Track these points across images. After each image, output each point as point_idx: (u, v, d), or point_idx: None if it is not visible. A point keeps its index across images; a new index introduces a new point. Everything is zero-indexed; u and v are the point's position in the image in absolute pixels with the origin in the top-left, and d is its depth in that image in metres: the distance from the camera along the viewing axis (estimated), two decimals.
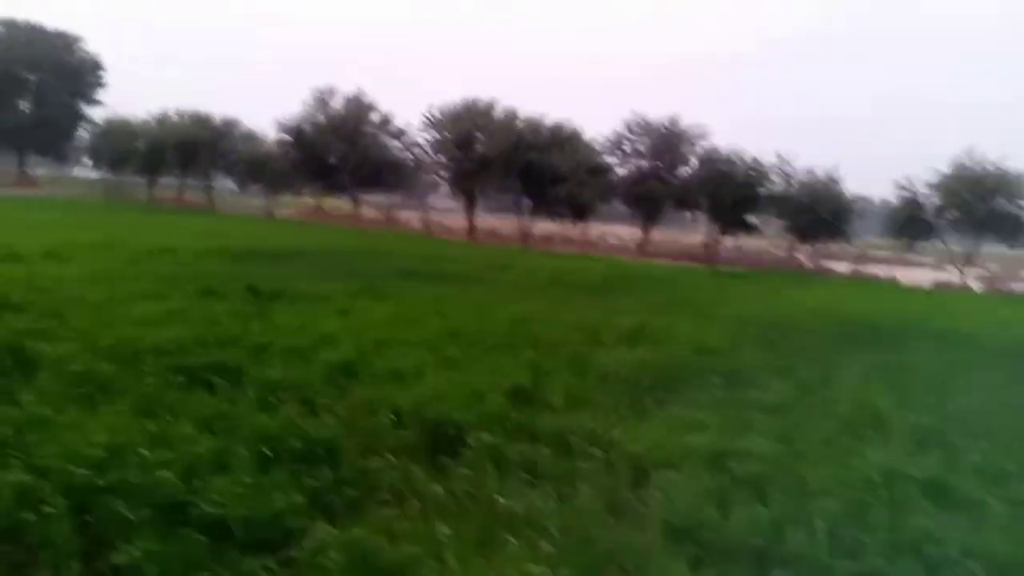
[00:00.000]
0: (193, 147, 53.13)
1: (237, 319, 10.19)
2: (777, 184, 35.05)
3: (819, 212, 33.16)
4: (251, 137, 54.49)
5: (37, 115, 65.82)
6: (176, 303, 11.10)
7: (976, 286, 32.00)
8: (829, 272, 34.58)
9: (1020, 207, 29.48)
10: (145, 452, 4.80)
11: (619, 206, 43.36)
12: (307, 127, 48.72)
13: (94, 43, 68.32)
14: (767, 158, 35.22)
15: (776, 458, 5.82)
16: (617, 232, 50.75)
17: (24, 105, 67.14)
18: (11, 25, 64.08)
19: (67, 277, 13.05)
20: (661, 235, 48.09)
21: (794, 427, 6.81)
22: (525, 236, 42.37)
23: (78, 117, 68.12)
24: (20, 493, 4.16)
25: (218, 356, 7.71)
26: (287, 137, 49.01)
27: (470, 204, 44.59)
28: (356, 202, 50.35)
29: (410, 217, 58.39)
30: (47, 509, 4.01)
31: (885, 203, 32.75)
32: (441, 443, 5.72)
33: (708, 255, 37.29)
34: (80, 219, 31.58)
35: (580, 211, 40.02)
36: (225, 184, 62.72)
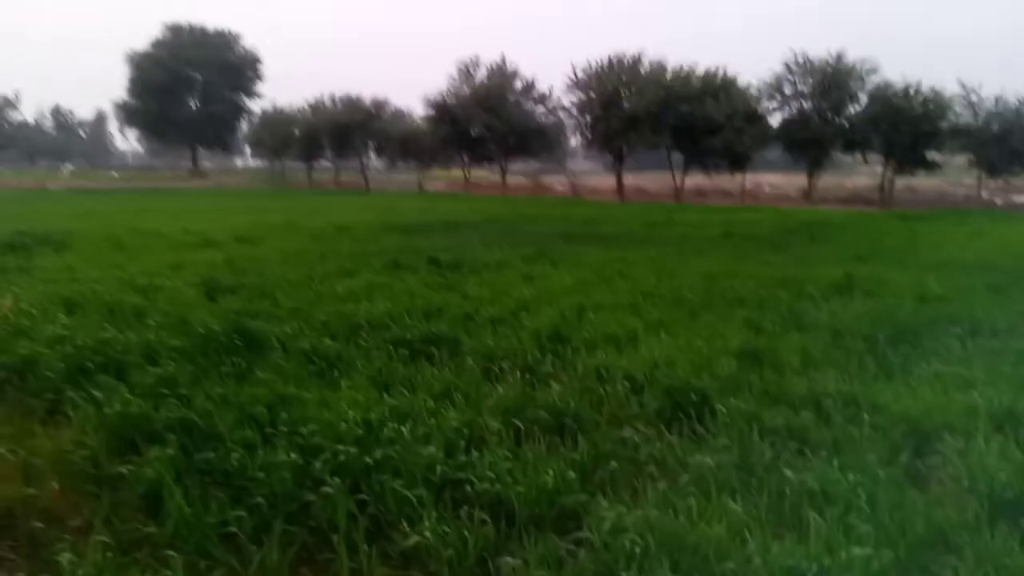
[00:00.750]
0: (346, 130, 55.28)
1: (432, 290, 10.24)
2: (961, 116, 31.84)
3: (1011, 142, 29.86)
4: (400, 115, 55.99)
5: (204, 111, 70.63)
6: (369, 277, 11.29)
7: None
8: (1020, 207, 31.25)
9: None
10: (403, 428, 4.71)
11: (774, 154, 41.16)
12: (453, 100, 49.28)
13: (251, 39, 72.37)
14: (949, 87, 32.16)
15: None
16: (771, 181, 48.35)
17: (192, 102, 72.20)
18: (176, 29, 68.81)
19: (262, 258, 13.66)
20: (821, 181, 45.28)
21: None
22: (677, 191, 41.07)
23: (241, 110, 72.55)
24: (297, 473, 4.16)
25: (429, 328, 7.66)
26: (434, 112, 49.80)
27: (619, 163, 43.66)
28: (504, 171, 50.60)
29: (555, 182, 58.30)
30: (325, 489, 3.97)
31: None
32: (686, 411, 5.34)
33: (882, 198, 34.65)
34: (252, 205, 33.51)
35: (737, 161, 38.21)
36: (376, 163, 65.02)
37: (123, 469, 4.35)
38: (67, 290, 9.89)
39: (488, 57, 58.25)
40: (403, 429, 4.74)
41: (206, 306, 9.03)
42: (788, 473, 4.09)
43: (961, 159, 33.86)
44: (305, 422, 4.96)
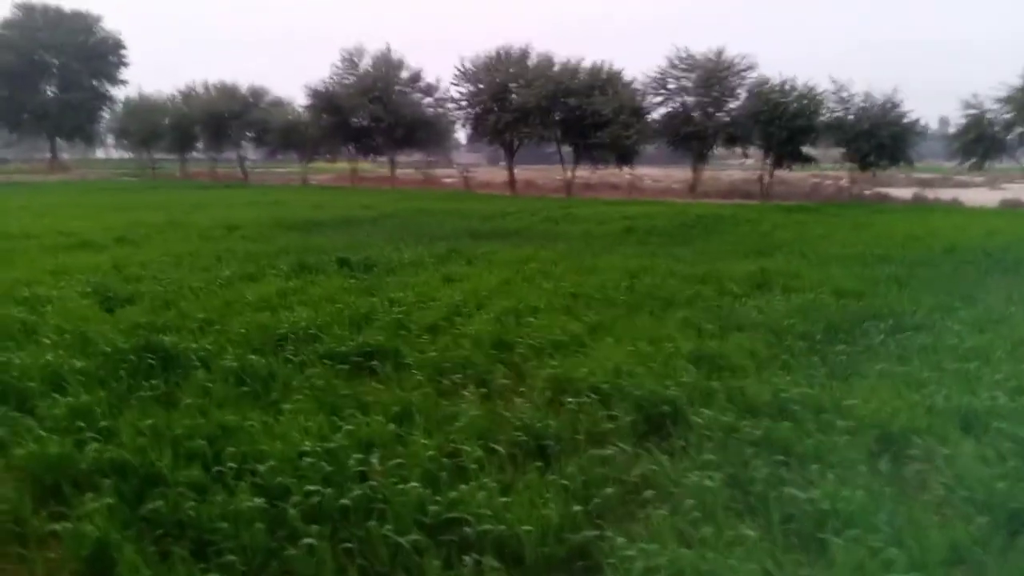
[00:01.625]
0: (221, 119, 52.59)
1: (351, 294, 9.68)
2: (834, 111, 33.59)
3: (880, 137, 31.77)
4: (280, 105, 53.70)
5: (63, 99, 65.51)
6: (278, 282, 10.60)
7: None
8: (888, 199, 33.35)
9: None
10: (372, 459, 4.28)
11: (651, 148, 42.12)
12: (337, 90, 47.75)
13: (113, 21, 67.75)
14: (822, 85, 33.76)
15: None
16: (651, 174, 49.66)
17: (48, 89, 66.83)
18: (28, 8, 63.46)
19: (152, 262, 12.64)
20: (695, 175, 46.76)
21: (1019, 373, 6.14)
22: (568, 185, 41.43)
23: (103, 98, 67.78)
24: (269, 521, 3.67)
25: (364, 339, 7.18)
26: (316, 102, 48.10)
27: (510, 156, 43.61)
28: (392, 163, 49.59)
29: (442, 175, 57.72)
30: (306, 540, 3.51)
31: (946, 124, 31.17)
32: (660, 424, 5.16)
33: (762, 191, 36.15)
34: (125, 200, 31.29)
35: (625, 155, 38.86)
36: (253, 155, 62.36)
37: (56, 526, 3.71)
38: None
39: (373, 47, 57.01)
40: (372, 460, 4.32)
41: (104, 319, 8.18)
42: (794, 492, 3.95)
43: (834, 153, 35.67)
44: (257, 456, 4.45)
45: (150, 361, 6.55)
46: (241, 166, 55.51)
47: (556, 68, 40.09)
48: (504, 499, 3.81)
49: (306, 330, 7.54)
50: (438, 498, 3.85)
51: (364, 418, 5.19)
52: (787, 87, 34.11)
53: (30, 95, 63.77)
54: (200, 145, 59.20)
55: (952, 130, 32.79)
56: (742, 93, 36.30)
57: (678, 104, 37.91)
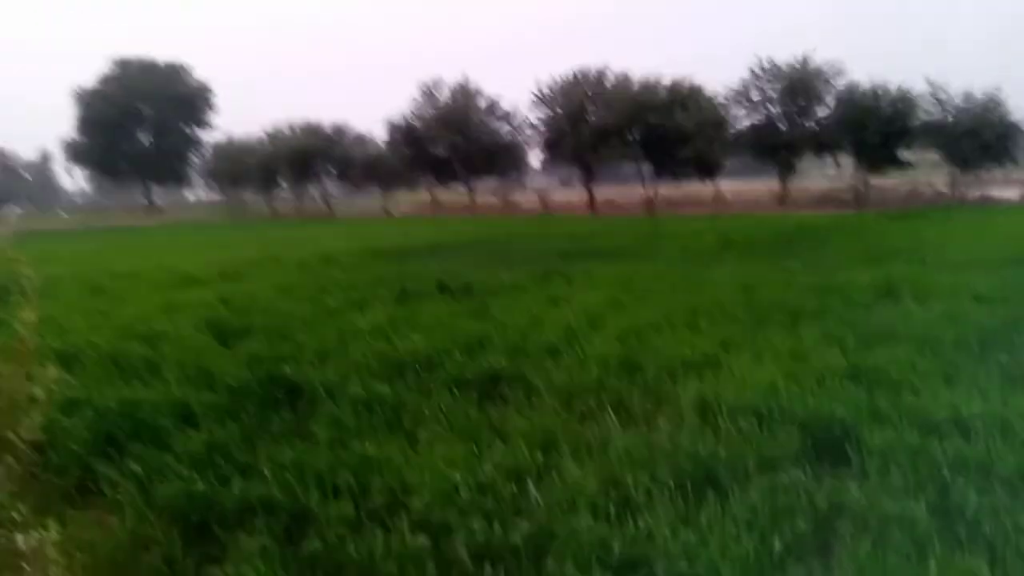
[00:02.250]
0: (306, 157, 54.17)
1: (460, 318, 9.49)
2: (931, 113, 32.12)
3: (983, 137, 30.16)
4: (361, 140, 55.03)
5: (156, 145, 68.73)
6: (384, 309, 10.50)
7: None
8: (992, 200, 31.54)
9: None
10: (532, 491, 3.98)
11: (732, 161, 41.17)
12: (416, 122, 48.60)
13: (202, 70, 70.84)
14: (916, 86, 32.42)
15: None
16: (732, 188, 48.63)
17: (143, 137, 70.25)
18: (125, 64, 66.97)
19: (257, 295, 12.76)
20: (783, 185, 45.31)
21: None
22: (650, 202, 40.85)
23: (193, 142, 70.81)
24: (436, 560, 3.40)
25: (483, 363, 6.93)
26: (397, 135, 49.03)
27: (589, 177, 43.37)
28: (471, 190, 49.99)
29: (523, 199, 57.89)
30: None
31: None
32: (829, 447, 4.70)
33: (856, 199, 34.78)
34: (220, 239, 32.35)
35: (708, 169, 38.12)
36: (334, 190, 63.89)
37: (216, 570, 3.53)
38: (58, 342, 8.92)
39: (450, 78, 57.84)
40: (532, 492, 4.01)
41: (221, 353, 8.16)
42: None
43: (931, 157, 34.12)
44: (406, 490, 4.20)
45: (276, 393, 6.44)
46: (326, 201, 56.86)
47: (636, 87, 39.72)
48: (690, 535, 3.44)
49: (425, 356, 7.33)
50: (617, 533, 3.50)
51: (505, 446, 4.91)
52: (879, 91, 32.85)
53: (126, 143, 67.14)
54: (283, 183, 61.14)
55: None
56: (830, 100, 35.19)
57: (763, 115, 37.00)
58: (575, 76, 41.34)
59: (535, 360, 7.16)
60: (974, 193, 34.06)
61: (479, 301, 10.99)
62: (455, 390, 6.30)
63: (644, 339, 7.67)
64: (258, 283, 14.62)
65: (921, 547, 3.42)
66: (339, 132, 55.30)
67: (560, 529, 3.58)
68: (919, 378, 5.87)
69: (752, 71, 36.17)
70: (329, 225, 41.22)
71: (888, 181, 38.61)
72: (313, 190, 61.79)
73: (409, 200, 61.05)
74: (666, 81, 39.26)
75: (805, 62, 34.76)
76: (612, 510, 3.83)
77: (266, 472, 4.61)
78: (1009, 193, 33.09)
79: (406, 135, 48.27)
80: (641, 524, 3.60)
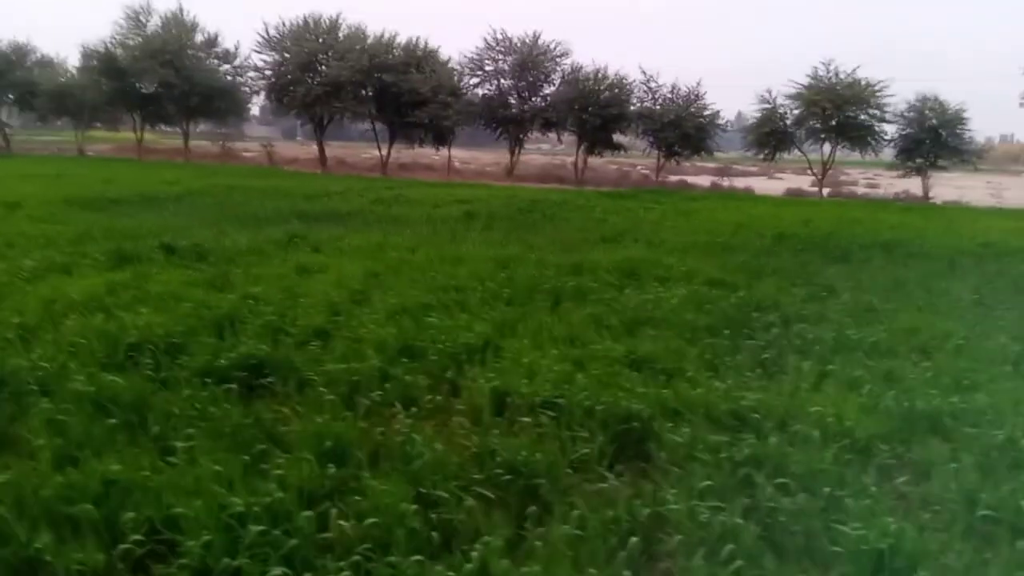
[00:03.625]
0: None
1: (195, 289, 8.32)
2: (643, 101, 34.99)
3: (685, 128, 33.50)
4: (49, 64, 47.38)
5: None
6: (100, 275, 8.94)
7: (825, 192, 33.97)
8: (689, 186, 35.34)
9: (871, 116, 31.20)
10: (335, 518, 3.38)
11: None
12: (119, 50, 42.87)
13: None
14: (631, 73, 35.09)
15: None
16: (459, 156, 49.53)
17: None
18: None
19: None
20: (500, 158, 47.13)
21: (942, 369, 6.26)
22: (384, 164, 40.12)
23: None
24: None
25: (239, 347, 6.03)
26: (95, 63, 42.87)
27: (320, 131, 41.45)
28: (186, 134, 45.44)
29: (242, 148, 53.94)
30: None
31: (746, 117, 33.47)
32: (629, 443, 4.65)
33: (577, 176, 36.99)
34: None
35: (442, 135, 38.19)
36: (12, 121, 54.75)
37: None
38: None
39: (163, 5, 51.81)
40: (337, 520, 3.41)
41: None
42: (839, 527, 3.56)
43: (640, 142, 37.17)
44: (170, 523, 3.39)
45: None
46: (2, 132, 48.39)
47: (370, 41, 38.46)
48: (525, 568, 3.09)
49: (164, 338, 6.23)
50: (443, 572, 3.05)
51: (285, 456, 4.22)
52: (600, 75, 35.05)
53: None
54: None
55: (748, 123, 35.18)
56: (556, 79, 36.87)
57: (495, 87, 37.82)
58: (306, 20, 39.03)
59: (300, 344, 6.40)
60: (675, 178, 37.87)
61: (217, 268, 9.77)
62: (208, 382, 5.38)
63: (418, 320, 7.21)
64: None
65: (753, 559, 3.41)
66: (20, 52, 47.02)
67: (380, 572, 3.04)
68: (690, 366, 6.08)
69: (486, 41, 36.83)
70: (7, 161, 35.11)
71: (597, 160, 41.62)
72: None
73: (110, 139, 54.12)
74: (401, 39, 38.64)
75: (536, 38, 36.05)
76: (434, 538, 3.37)
77: None
78: (702, 181, 37.32)
79: (106, 64, 42.32)
80: (471, 555, 3.18)
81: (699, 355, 6.44)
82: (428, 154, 47.39)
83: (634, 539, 3.44)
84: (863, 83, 30.85)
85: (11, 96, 47.40)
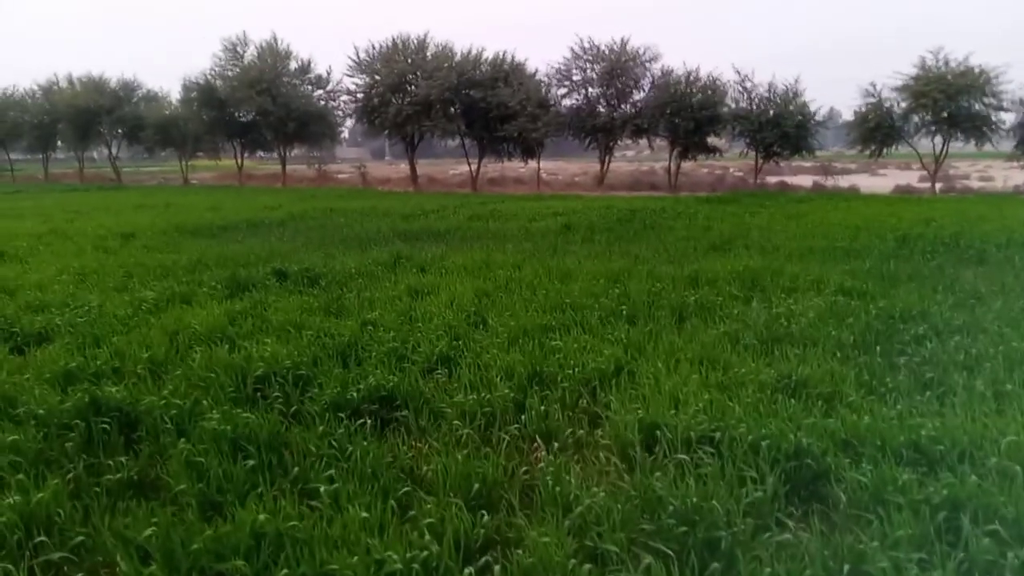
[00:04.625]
0: (90, 116, 48.23)
1: (313, 316, 8.26)
2: (737, 102, 33.93)
3: (784, 127, 32.29)
4: (154, 99, 49.82)
5: None
6: (219, 305, 9.00)
7: (937, 187, 32.04)
8: (790, 187, 34.01)
9: (986, 105, 29.31)
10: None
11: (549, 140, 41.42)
12: (218, 82, 44.64)
13: None
14: (724, 74, 34.15)
15: None
16: (547, 167, 49.32)
17: None
18: None
19: (48, 283, 10.70)
20: (603, 167, 46.54)
21: None
22: (474, 180, 40.28)
23: None
24: None
25: (368, 378, 5.83)
26: (196, 95, 44.75)
27: (411, 151, 42.01)
28: (284, 160, 46.87)
29: (335, 170, 55.32)
30: None
31: (855, 113, 31.89)
32: (802, 485, 4.18)
33: (671, 183, 36.20)
34: None
35: (530, 148, 38.05)
36: (121, 153, 57.72)
37: None
38: None
39: (258, 36, 53.73)
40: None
41: (17, 366, 6.50)
42: None
43: (738, 144, 36.05)
44: None
45: (104, 426, 5.01)
46: (114, 166, 51.11)
47: (457, 58, 38.75)
48: None
49: (291, 369, 6.12)
50: None
51: (431, 500, 3.96)
52: (691, 78, 34.22)
53: None
54: (60, 144, 54.35)
55: (848, 119, 33.64)
56: (646, 84, 36.22)
57: (583, 96, 37.45)
58: (395, 43, 39.68)
59: (426, 373, 6.19)
60: (773, 180, 36.58)
61: (330, 293, 9.75)
62: (341, 417, 5.20)
63: (541, 344, 6.90)
64: (48, 266, 12.32)
65: None
66: (127, 88, 49.66)
67: None
68: (850, 390, 5.54)
69: (572, 51, 36.51)
70: (120, 193, 36.95)
71: (689, 165, 40.56)
72: (96, 153, 55.56)
73: (211, 167, 56.43)
74: (488, 55, 38.79)
75: (623, 45, 35.50)
76: None
77: (119, 562, 3.36)
78: (804, 181, 35.87)
79: (206, 95, 44.15)
80: None
81: (856, 376, 5.88)
82: (516, 167, 47.43)
83: None
84: (977, 71, 28.96)
85: (121, 130, 50.05)
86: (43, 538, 3.64)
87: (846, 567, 3.28)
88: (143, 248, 14.99)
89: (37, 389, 5.66)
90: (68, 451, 4.68)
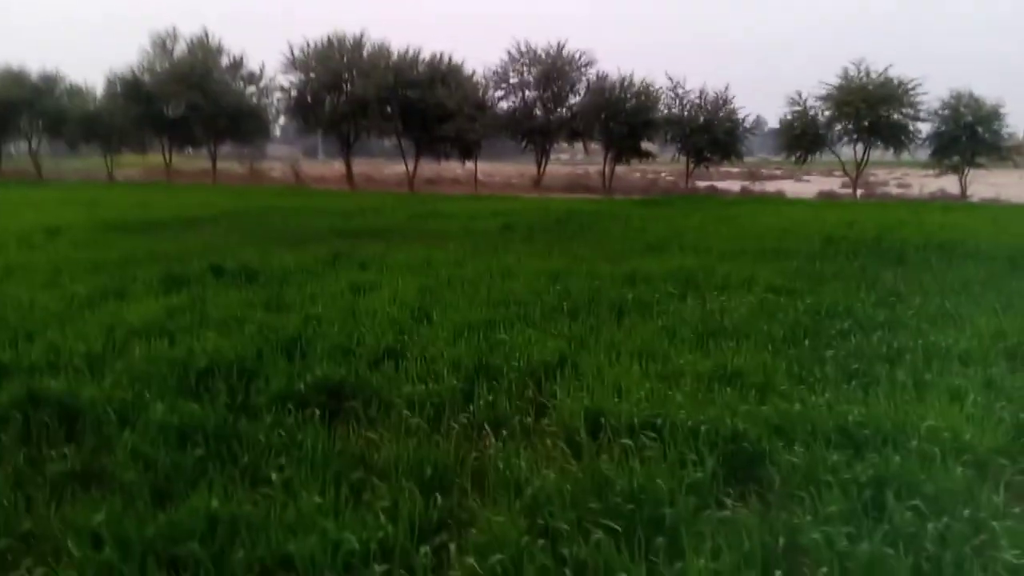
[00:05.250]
0: (9, 109, 46.21)
1: (254, 310, 8.19)
2: (670, 108, 34.73)
3: (714, 133, 33.21)
4: (77, 92, 48.05)
5: None
6: (156, 300, 8.84)
7: (858, 193, 33.41)
8: (719, 192, 35.03)
9: (904, 115, 30.75)
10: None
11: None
12: (146, 76, 43.40)
13: None
14: (657, 80, 34.85)
15: None
16: (482, 168, 49.62)
17: None
18: None
19: None
20: (524, 169, 47.05)
21: None
22: (411, 180, 40.17)
23: None
24: None
25: (315, 371, 5.84)
26: (122, 89, 43.41)
27: (347, 149, 41.63)
28: (214, 156, 45.83)
29: (268, 168, 54.30)
30: None
31: (781, 121, 33.09)
32: (737, 467, 4.40)
33: (604, 186, 36.80)
34: None
35: (468, 149, 38.20)
36: (42, 148, 55.47)
37: None
38: None
39: (188, 30, 52.27)
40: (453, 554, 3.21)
41: None
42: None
43: (670, 149, 36.91)
44: (285, 563, 3.21)
45: (43, 419, 4.92)
46: (35, 160, 49.10)
47: (394, 58, 38.59)
48: None
49: (235, 363, 6.08)
50: None
51: (383, 485, 4.04)
52: (626, 83, 34.86)
53: None
54: None
55: (774, 126, 34.89)
56: (582, 88, 36.74)
57: (520, 99, 37.77)
58: (331, 40, 39.25)
59: (373, 366, 6.23)
60: (703, 184, 37.57)
61: (269, 289, 9.66)
62: (289, 408, 5.21)
63: (486, 337, 7.02)
64: None
65: None
66: (49, 81, 47.76)
67: None
68: (781, 380, 5.83)
69: (510, 53, 36.80)
70: (42, 189, 35.54)
71: (622, 168, 41.31)
72: (14, 148, 53.33)
73: (138, 164, 54.68)
74: (425, 55, 38.76)
75: (560, 49, 35.96)
76: None
77: (71, 548, 3.34)
78: (732, 186, 37.01)
79: (132, 89, 42.84)
80: None
81: (787, 368, 6.18)
82: (453, 168, 47.54)
83: (778, 573, 3.19)
84: (896, 82, 30.37)
85: (41, 123, 48.13)
86: None
87: (781, 540, 3.49)
88: (71, 244, 14.51)
89: None
90: (6, 443, 4.58)
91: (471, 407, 5.24)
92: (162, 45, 43.64)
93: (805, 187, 40.74)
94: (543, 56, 36.42)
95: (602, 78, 35.76)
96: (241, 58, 44.38)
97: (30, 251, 13.24)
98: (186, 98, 41.82)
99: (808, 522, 3.61)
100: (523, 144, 38.37)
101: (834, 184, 40.10)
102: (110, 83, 44.13)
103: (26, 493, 3.99)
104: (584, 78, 36.59)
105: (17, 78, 46.70)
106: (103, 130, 45.12)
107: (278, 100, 43.85)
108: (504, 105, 38.65)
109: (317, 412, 5.10)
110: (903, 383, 5.77)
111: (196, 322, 7.66)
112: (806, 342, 7.00)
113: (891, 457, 4.28)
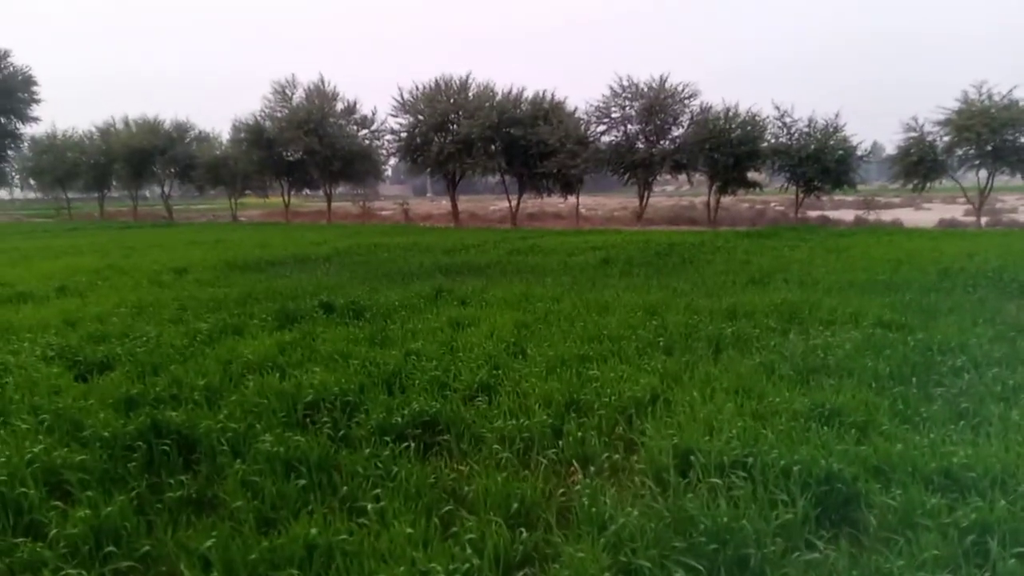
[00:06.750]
0: (144, 155, 50.11)
1: (359, 346, 8.55)
2: (777, 137, 33.96)
3: (824, 161, 32.20)
4: (205, 139, 51.57)
5: None
6: (270, 336, 9.36)
7: (983, 221, 31.54)
8: (831, 222, 33.82)
9: None
10: None
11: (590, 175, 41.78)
12: (267, 122, 46.08)
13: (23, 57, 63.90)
14: (763, 109, 34.22)
15: None
16: (586, 202, 49.73)
17: None
18: None
19: (107, 315, 11.18)
20: (630, 202, 46.84)
21: None
22: (513, 216, 40.80)
23: (11, 136, 63.79)
24: None
25: (412, 404, 6.08)
26: (245, 136, 46.23)
27: (453, 188, 42.76)
28: (329, 197, 48.01)
29: (379, 207, 56.39)
30: None
31: (894, 146, 31.78)
32: (833, 508, 4.29)
33: (710, 217, 36.22)
34: (51, 244, 29.01)
35: (570, 184, 38.50)
36: (173, 192, 59.58)
37: None
38: None
39: (305, 78, 55.33)
40: None
41: (82, 392, 6.84)
42: None
43: (778, 179, 36.06)
44: None
45: (164, 448, 5.32)
46: (166, 204, 52.85)
47: (498, 98, 39.50)
48: None
49: (339, 396, 6.39)
50: None
51: (471, 518, 4.16)
52: (730, 113, 34.38)
53: None
54: (115, 183, 56.34)
55: (891, 153, 33.43)
56: (685, 120, 36.45)
57: (622, 133, 37.80)
58: (438, 83, 40.65)
59: (464, 399, 6.41)
60: (814, 214, 36.41)
61: (375, 325, 10.06)
62: (387, 440, 5.44)
63: (579, 373, 7.09)
64: (106, 300, 12.86)
65: None
66: (180, 129, 51.53)
67: None
68: (884, 419, 5.62)
69: (612, 88, 36.98)
70: (173, 230, 38.15)
71: (729, 199, 40.61)
72: (149, 192, 57.56)
73: (258, 205, 57.98)
74: (528, 93, 39.49)
75: (662, 82, 35.86)
76: None
77: (184, 570, 3.62)
78: (846, 215, 35.68)
79: (255, 136, 45.62)
80: None
81: (890, 406, 5.95)
82: (555, 203, 48.02)
83: None
84: (1021, 104, 28.65)
85: (173, 170, 51.85)
86: (112, 548, 3.91)
87: None
88: (196, 282, 15.54)
89: (101, 413, 5.99)
90: (132, 470, 4.98)
91: (560, 443, 5.31)
92: (282, 93, 46.19)
93: (924, 215, 38.85)
94: (645, 90, 36.38)
95: (706, 109, 35.38)
96: (354, 103, 46.46)
97: (160, 289, 14.26)
98: (303, 143, 44.08)
99: (901, 566, 3.49)
100: (625, 178, 38.27)
101: (956, 212, 38.08)
102: (235, 129, 47.11)
103: (147, 517, 4.33)
104: (687, 110, 36.29)
105: (152, 127, 50.59)
106: (228, 174, 48.16)
107: (388, 142, 45.51)
108: (606, 139, 38.73)
109: (412, 445, 5.30)
110: (1017, 424, 5.46)
111: (306, 357, 8.08)
112: (913, 379, 6.71)
113: (997, 501, 4.07)
